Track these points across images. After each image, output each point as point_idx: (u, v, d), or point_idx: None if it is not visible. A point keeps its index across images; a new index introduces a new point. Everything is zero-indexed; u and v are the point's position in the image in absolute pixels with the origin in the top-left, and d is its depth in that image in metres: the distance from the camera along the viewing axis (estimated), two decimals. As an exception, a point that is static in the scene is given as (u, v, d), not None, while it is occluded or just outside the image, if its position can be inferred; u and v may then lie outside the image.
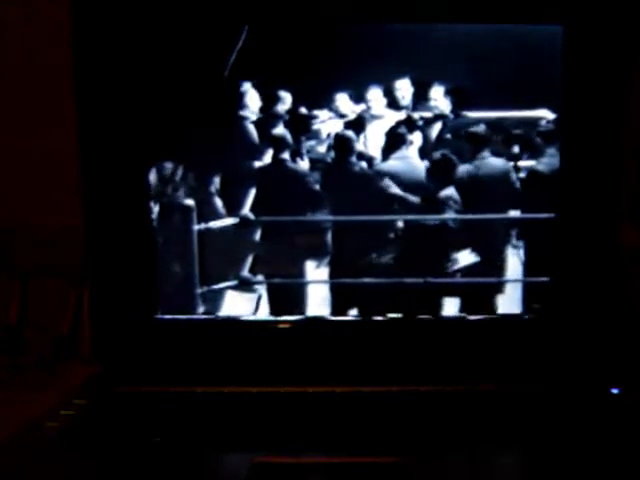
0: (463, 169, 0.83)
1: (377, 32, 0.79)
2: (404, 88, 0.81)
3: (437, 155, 0.82)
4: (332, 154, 0.83)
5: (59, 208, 0.87)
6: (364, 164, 0.83)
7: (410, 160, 0.83)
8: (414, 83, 0.81)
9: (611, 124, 0.78)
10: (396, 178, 0.82)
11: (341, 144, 0.83)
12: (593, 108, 0.78)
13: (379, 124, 0.83)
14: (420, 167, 0.83)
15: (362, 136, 0.83)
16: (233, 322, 0.83)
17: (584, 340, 0.79)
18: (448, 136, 0.82)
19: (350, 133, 0.82)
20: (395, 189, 0.82)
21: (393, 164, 0.83)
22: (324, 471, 0.60)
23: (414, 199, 0.82)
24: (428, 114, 0.82)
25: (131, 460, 0.63)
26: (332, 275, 0.83)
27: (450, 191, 0.82)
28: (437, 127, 0.83)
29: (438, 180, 0.82)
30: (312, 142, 0.83)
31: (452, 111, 0.82)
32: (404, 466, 0.60)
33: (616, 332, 0.79)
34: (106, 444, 0.66)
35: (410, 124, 0.83)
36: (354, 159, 0.83)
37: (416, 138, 0.83)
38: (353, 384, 0.75)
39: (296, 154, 0.82)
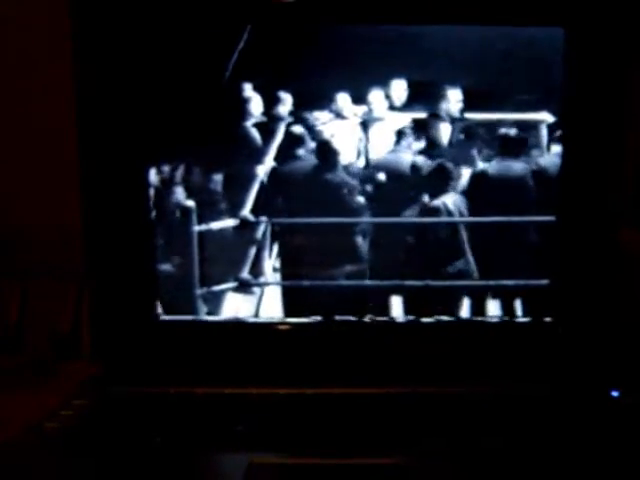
0: (467, 171, 0.83)
1: (377, 33, 0.79)
2: (403, 89, 0.81)
3: (433, 164, 0.82)
4: (333, 154, 0.83)
5: (59, 208, 0.88)
6: (359, 167, 0.83)
7: (408, 161, 0.83)
8: (413, 84, 0.80)
9: (611, 126, 0.78)
10: (392, 178, 0.82)
11: (336, 148, 0.83)
12: (594, 110, 0.78)
13: (379, 126, 0.83)
14: (419, 170, 0.83)
15: (363, 138, 0.83)
16: (233, 323, 0.83)
17: (584, 342, 0.80)
18: (450, 138, 0.82)
19: (346, 136, 0.82)
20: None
21: (390, 163, 0.83)
22: (323, 472, 0.60)
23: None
24: (427, 115, 0.82)
25: (131, 461, 0.63)
26: (332, 277, 0.83)
27: (454, 197, 0.82)
28: (437, 128, 0.83)
29: (436, 187, 0.82)
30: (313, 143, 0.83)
31: (452, 113, 0.82)
32: (403, 467, 0.60)
33: (616, 334, 0.79)
34: (106, 444, 0.66)
35: (410, 125, 0.83)
36: (352, 161, 0.83)
37: (416, 140, 0.83)
38: (353, 385, 0.75)
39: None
